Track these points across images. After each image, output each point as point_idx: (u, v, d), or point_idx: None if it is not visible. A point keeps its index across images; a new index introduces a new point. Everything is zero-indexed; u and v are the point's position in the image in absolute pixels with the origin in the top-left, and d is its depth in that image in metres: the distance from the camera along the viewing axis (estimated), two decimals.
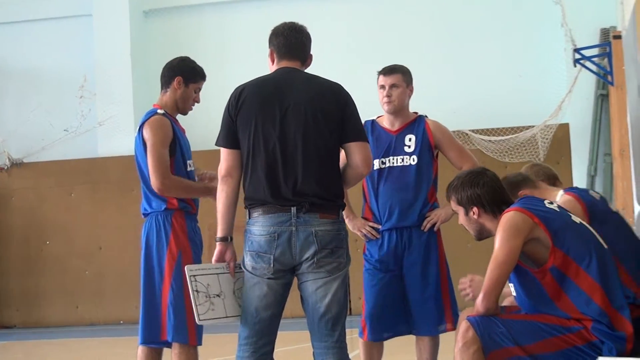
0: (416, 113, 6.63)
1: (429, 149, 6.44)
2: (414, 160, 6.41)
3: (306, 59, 5.27)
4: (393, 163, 6.43)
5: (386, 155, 6.43)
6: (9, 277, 16.77)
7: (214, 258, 5.21)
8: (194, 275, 5.18)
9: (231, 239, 5.18)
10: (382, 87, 6.51)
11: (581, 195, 5.72)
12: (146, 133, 6.08)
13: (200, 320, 5.12)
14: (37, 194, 16.86)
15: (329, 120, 5.00)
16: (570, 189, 5.93)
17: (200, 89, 6.35)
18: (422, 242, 6.44)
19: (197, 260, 6.16)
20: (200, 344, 6.07)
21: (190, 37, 16.08)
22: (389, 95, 6.47)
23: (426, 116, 6.63)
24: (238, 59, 15.37)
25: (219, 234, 5.18)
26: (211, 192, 5.92)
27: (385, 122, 6.57)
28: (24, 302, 16.60)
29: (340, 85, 5.19)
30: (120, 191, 15.70)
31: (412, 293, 6.41)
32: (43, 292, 16.54)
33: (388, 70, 6.57)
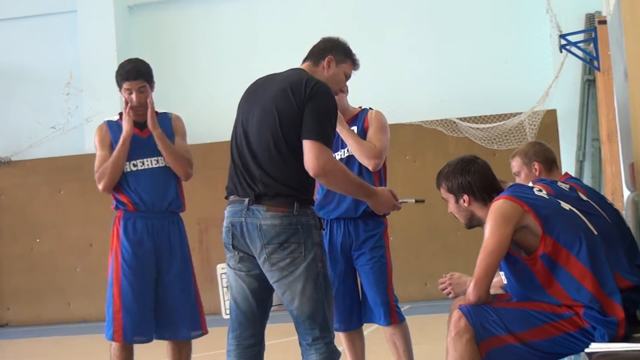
0: (360, 107, 6.63)
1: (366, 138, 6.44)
2: (349, 151, 6.43)
3: (317, 60, 5.26)
4: (341, 155, 6.44)
5: (335, 149, 6.36)
6: (0, 275, 16.75)
7: None
8: (223, 273, 5.26)
9: None
10: None
11: (550, 185, 5.76)
12: None
13: (227, 315, 5.20)
14: (26, 191, 16.83)
15: (285, 114, 4.91)
16: (540, 180, 5.97)
17: (130, 90, 6.51)
18: (367, 233, 6.46)
19: (130, 258, 6.44)
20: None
21: (175, 31, 16.04)
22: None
23: (370, 108, 6.61)
24: (224, 53, 15.34)
25: None
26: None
27: None
28: (15, 300, 16.59)
29: (313, 80, 5.02)
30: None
31: (365, 280, 6.46)
32: (35, 289, 16.52)
33: None
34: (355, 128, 6.46)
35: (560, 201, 5.04)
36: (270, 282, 4.94)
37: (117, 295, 6.41)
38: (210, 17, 16.20)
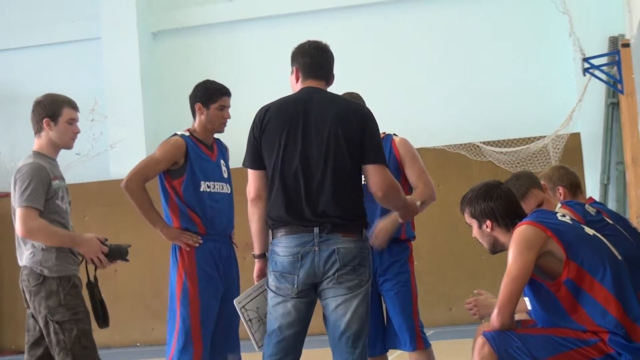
0: (384, 133, 6.62)
1: (395, 166, 6.41)
2: None
3: (330, 78, 5.29)
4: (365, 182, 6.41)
5: None
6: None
7: (255, 274, 5.28)
8: (243, 307, 5.25)
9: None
10: None
11: (575, 208, 5.74)
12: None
13: (260, 347, 5.18)
14: None
15: (348, 140, 5.00)
16: (566, 202, 5.95)
17: (225, 106, 6.47)
18: (392, 258, 6.43)
19: (208, 282, 6.29)
20: None
21: (199, 57, 16.12)
22: None
23: (394, 134, 6.60)
24: (248, 78, 15.39)
25: (257, 251, 5.25)
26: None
27: None
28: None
29: (362, 105, 5.24)
30: (134, 213, 15.52)
31: (390, 306, 6.42)
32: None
33: None
34: None
35: (584, 226, 5.02)
36: (327, 296, 5.00)
37: (196, 320, 6.22)
38: (233, 43, 16.26)
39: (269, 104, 5.20)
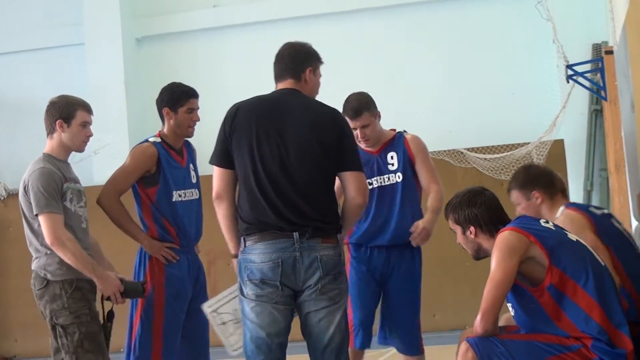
0: (394, 130, 6.62)
1: (410, 164, 6.42)
2: (399, 177, 6.39)
3: (300, 75, 5.16)
4: (381, 182, 6.41)
5: (371, 175, 6.39)
6: (8, 307, 16.71)
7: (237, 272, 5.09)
8: (214, 310, 5.17)
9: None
10: (354, 128, 6.26)
11: (587, 210, 5.70)
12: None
13: (235, 350, 5.12)
14: None
15: (325, 146, 4.95)
16: (573, 204, 5.90)
17: (193, 108, 6.35)
18: (406, 261, 6.45)
19: (175, 294, 6.24)
20: None
21: (183, 63, 16.06)
22: (362, 136, 6.39)
23: (405, 131, 6.59)
24: (232, 85, 15.36)
25: (233, 250, 5.12)
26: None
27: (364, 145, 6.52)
28: (23, 332, 16.54)
29: (337, 111, 5.18)
30: None
31: (396, 309, 6.45)
32: (42, 322, 16.44)
33: (353, 114, 6.35)
34: (394, 155, 6.42)
35: (567, 232, 5.03)
36: (310, 309, 4.93)
37: (159, 328, 6.18)
38: (218, 49, 16.21)
39: (239, 102, 5.13)
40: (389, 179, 6.39)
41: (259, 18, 15.88)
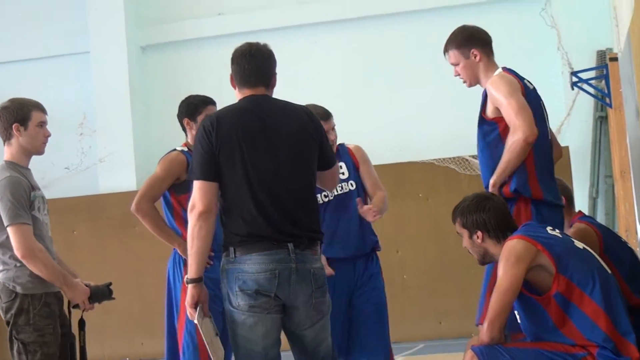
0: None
1: (357, 174, 6.41)
2: (352, 185, 6.35)
3: (270, 82, 5.03)
4: (336, 192, 6.35)
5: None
6: None
7: (189, 303, 4.86)
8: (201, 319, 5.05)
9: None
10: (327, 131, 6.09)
11: (594, 223, 5.73)
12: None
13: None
14: None
15: (312, 150, 4.90)
16: (584, 217, 5.91)
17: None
18: (369, 271, 6.40)
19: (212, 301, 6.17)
20: None
21: (188, 71, 16.09)
22: (332, 139, 6.34)
23: (344, 143, 6.59)
24: (234, 92, 15.38)
25: (194, 274, 4.83)
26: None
27: None
28: None
29: (310, 110, 5.08)
30: (122, 227, 15.62)
31: (363, 322, 6.30)
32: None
33: (326, 116, 6.26)
34: (343, 164, 6.35)
35: (574, 240, 5.02)
36: (303, 326, 4.84)
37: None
38: (223, 57, 16.19)
39: (216, 113, 5.04)
40: (341, 187, 6.34)
41: (263, 26, 15.88)
